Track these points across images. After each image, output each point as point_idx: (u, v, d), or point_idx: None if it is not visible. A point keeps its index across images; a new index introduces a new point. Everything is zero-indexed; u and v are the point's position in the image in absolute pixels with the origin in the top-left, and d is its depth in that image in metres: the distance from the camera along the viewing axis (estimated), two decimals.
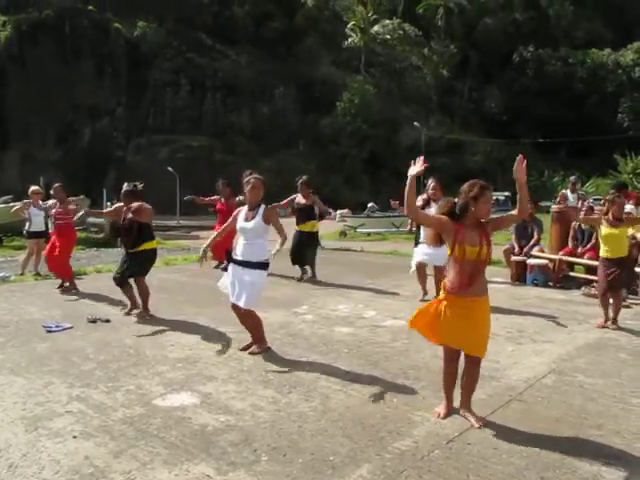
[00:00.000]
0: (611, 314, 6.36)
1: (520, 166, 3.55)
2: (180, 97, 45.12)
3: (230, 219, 5.34)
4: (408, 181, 3.58)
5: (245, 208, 5.22)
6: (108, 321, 6.44)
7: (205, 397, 4.16)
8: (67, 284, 8.49)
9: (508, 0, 59.43)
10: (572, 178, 12.31)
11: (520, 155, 3.61)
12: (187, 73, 44.96)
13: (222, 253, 7.24)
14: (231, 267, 5.12)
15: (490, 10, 58.85)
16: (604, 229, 6.37)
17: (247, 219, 5.14)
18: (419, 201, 7.37)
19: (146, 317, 6.57)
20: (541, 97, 53.54)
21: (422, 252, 7.45)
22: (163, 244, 15.39)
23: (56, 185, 8.85)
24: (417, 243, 7.76)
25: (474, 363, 3.71)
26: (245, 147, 42.92)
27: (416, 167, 3.63)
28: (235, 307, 5.18)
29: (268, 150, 42.91)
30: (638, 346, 5.64)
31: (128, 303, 6.85)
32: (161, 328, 6.14)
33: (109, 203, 19.57)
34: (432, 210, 7.43)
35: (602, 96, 53.68)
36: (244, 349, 5.24)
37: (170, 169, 34.83)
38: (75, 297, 7.99)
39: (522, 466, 3.17)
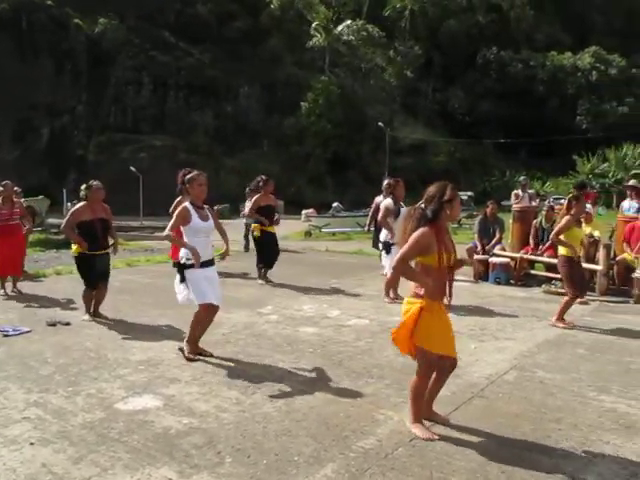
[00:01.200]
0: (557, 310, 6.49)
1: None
2: (142, 95, 44.41)
3: (176, 219, 4.95)
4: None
5: (190, 207, 4.95)
6: (68, 324, 6.29)
7: (168, 399, 4.10)
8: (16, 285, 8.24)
9: (470, 3, 60.36)
10: (522, 179, 12.73)
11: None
12: (150, 71, 44.27)
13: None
14: (203, 270, 4.92)
15: (453, 12, 59.65)
16: (575, 229, 6.49)
17: (204, 218, 5.01)
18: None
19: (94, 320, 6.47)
20: (503, 98, 54.56)
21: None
22: (125, 245, 15.13)
23: (5, 182, 8.36)
24: (377, 244, 7.82)
25: (454, 367, 3.69)
26: (209, 147, 42.52)
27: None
28: (216, 310, 5.11)
29: (232, 150, 42.64)
30: (595, 341, 5.80)
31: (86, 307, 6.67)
32: (123, 330, 6.03)
33: (69, 204, 19.12)
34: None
35: (562, 98, 55.01)
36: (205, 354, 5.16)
37: (133, 169, 34.28)
38: (23, 302, 7.64)
39: (484, 461, 3.22)
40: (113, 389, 4.31)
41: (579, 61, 57.44)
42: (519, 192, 11.55)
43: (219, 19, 48.31)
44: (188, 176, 5.10)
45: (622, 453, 3.34)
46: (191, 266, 4.84)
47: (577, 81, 56.08)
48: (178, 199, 7.38)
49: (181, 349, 5.09)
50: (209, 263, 5.01)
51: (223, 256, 5.43)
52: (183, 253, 4.92)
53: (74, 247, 6.46)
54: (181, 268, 4.93)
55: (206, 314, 5.03)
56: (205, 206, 5.12)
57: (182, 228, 4.99)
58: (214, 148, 42.71)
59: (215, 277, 5.09)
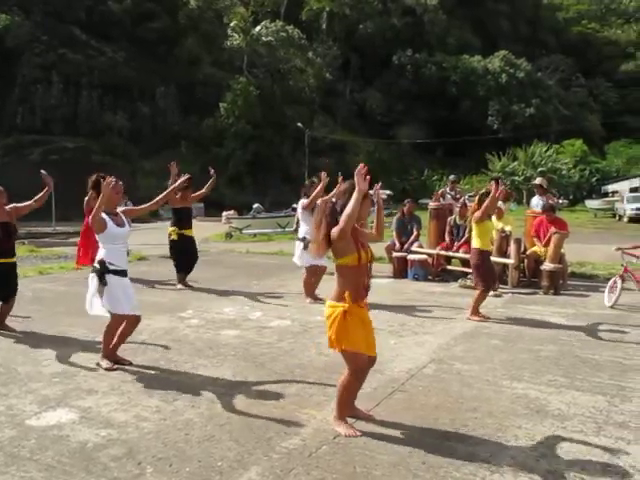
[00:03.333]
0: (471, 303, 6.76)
1: (360, 177, 3.33)
2: (52, 95, 42.28)
3: (92, 223, 4.77)
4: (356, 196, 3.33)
5: (104, 214, 4.74)
6: None
7: (84, 412, 3.93)
8: None
9: (386, 6, 61.76)
10: (451, 177, 12.99)
11: (360, 164, 3.41)
12: (60, 69, 42.22)
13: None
14: (120, 279, 4.76)
15: (369, 15, 60.81)
16: (487, 222, 6.76)
17: (119, 224, 4.84)
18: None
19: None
20: (419, 99, 56.27)
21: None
22: (37, 252, 14.41)
23: None
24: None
25: (373, 364, 3.71)
26: (124, 149, 41.17)
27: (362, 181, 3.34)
28: (138, 321, 4.95)
29: (149, 152, 41.46)
30: (508, 332, 6.09)
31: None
32: (35, 342, 5.72)
33: None
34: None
35: (474, 100, 57.36)
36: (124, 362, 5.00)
37: (43, 172, 32.65)
38: None
39: (406, 453, 3.30)
40: (24, 405, 4.08)
41: (489, 64, 60.13)
42: (446, 190, 11.63)
43: (133, 17, 46.83)
44: (107, 180, 4.88)
45: (533, 436, 3.52)
46: (113, 272, 4.67)
47: (487, 83, 58.68)
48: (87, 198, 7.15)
49: (98, 363, 4.91)
50: (125, 273, 4.86)
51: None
52: (105, 257, 4.74)
53: None
54: (103, 272, 4.73)
55: (118, 324, 4.86)
56: (118, 211, 4.95)
57: (97, 236, 4.82)
58: (130, 150, 41.39)
59: (131, 288, 4.93)
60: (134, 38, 46.02)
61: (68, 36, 43.34)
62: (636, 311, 7.16)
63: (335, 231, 3.38)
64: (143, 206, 5.47)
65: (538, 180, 10.86)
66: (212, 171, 8.91)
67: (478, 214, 6.58)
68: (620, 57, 73.08)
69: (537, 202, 10.04)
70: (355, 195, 3.31)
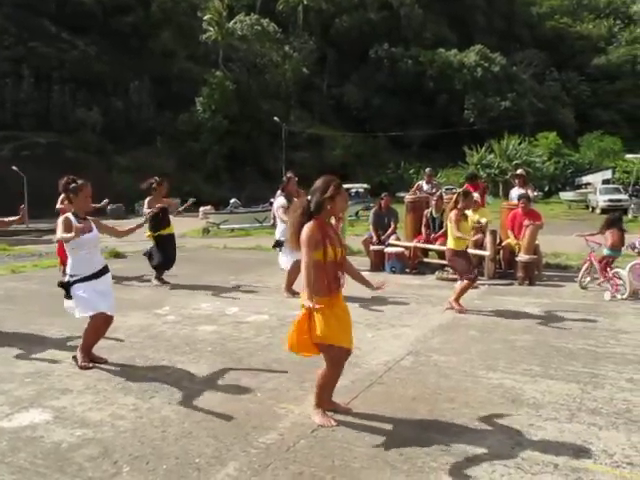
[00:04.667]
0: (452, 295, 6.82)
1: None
2: (23, 89, 41.51)
3: (61, 228, 4.65)
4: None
5: (73, 219, 4.63)
6: None
7: (59, 412, 3.88)
8: None
9: (362, 0, 61.78)
10: (427, 170, 12.97)
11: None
12: (30, 63, 41.44)
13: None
14: (89, 283, 4.67)
15: (345, 9, 60.78)
16: (463, 222, 6.79)
17: (88, 230, 4.67)
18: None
19: None
20: (396, 93, 56.51)
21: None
22: (10, 250, 14.16)
23: None
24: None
25: (349, 355, 3.71)
26: (98, 144, 40.61)
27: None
28: (110, 320, 4.88)
29: (123, 147, 41.02)
30: (485, 323, 6.15)
31: None
32: (7, 342, 5.61)
33: None
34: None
35: (450, 93, 57.80)
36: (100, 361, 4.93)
37: (15, 168, 32.05)
38: None
39: (383, 445, 3.32)
40: None
41: (465, 59, 60.60)
42: (422, 183, 11.60)
43: (106, 10, 46.11)
44: (73, 185, 4.78)
45: (508, 425, 3.57)
46: (77, 281, 4.61)
47: (464, 77, 59.16)
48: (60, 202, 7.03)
49: (74, 357, 4.84)
50: (99, 274, 4.78)
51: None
52: (69, 269, 4.69)
53: None
54: (66, 287, 4.67)
55: (98, 325, 4.80)
56: (89, 217, 4.87)
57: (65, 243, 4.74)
58: (104, 145, 40.88)
59: (108, 288, 4.86)
60: (107, 31, 45.36)
61: (39, 29, 42.57)
62: (609, 300, 7.28)
63: (301, 243, 3.42)
64: (114, 228, 5.31)
65: (520, 170, 10.95)
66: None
67: (452, 217, 6.63)
68: (592, 51, 74.30)
69: (516, 194, 10.09)
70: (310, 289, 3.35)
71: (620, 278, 7.46)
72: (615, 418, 3.65)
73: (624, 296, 7.32)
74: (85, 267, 4.69)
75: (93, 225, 4.84)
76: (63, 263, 8.17)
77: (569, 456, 3.15)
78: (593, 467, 3.04)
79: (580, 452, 3.20)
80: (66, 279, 4.70)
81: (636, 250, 7.90)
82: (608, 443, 3.31)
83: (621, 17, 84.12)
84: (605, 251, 7.83)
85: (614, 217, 8.17)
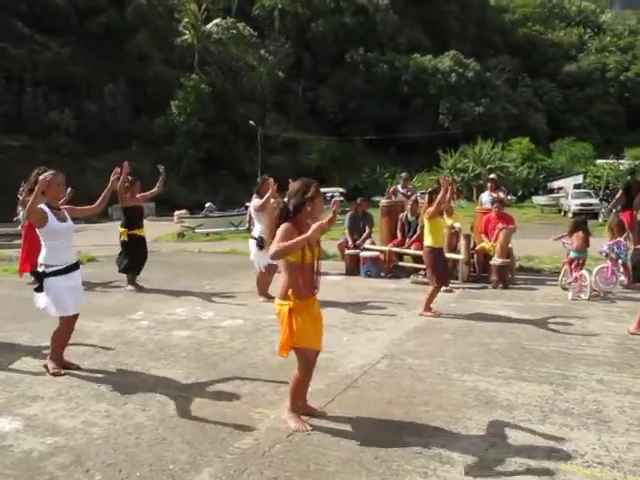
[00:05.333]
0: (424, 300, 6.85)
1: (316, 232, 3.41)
2: None
3: (29, 215, 4.68)
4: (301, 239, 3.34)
5: (46, 208, 4.58)
6: None
7: (29, 420, 3.81)
8: None
9: (338, 4, 62.04)
10: (403, 174, 13.09)
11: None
12: (1, 64, 40.59)
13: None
14: (62, 278, 4.59)
15: (321, 13, 60.95)
16: (439, 219, 6.84)
17: (62, 219, 4.68)
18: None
19: None
20: (371, 98, 56.80)
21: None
22: None
23: None
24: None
25: (317, 355, 3.73)
26: (72, 147, 40.00)
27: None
28: (76, 318, 4.81)
29: (98, 151, 40.41)
30: (459, 326, 6.20)
31: None
32: None
33: None
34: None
35: (425, 98, 58.28)
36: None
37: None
38: None
39: (359, 449, 3.32)
40: None
41: (439, 64, 61.21)
42: (398, 187, 11.63)
43: (79, 11, 45.45)
44: (43, 175, 4.71)
45: (482, 427, 3.60)
46: (51, 274, 4.52)
47: (438, 82, 59.72)
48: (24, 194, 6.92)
49: (45, 366, 4.75)
50: (72, 268, 4.71)
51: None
52: (42, 260, 4.59)
53: None
54: (40, 277, 4.58)
55: (68, 327, 4.73)
56: (62, 207, 4.81)
57: (38, 231, 4.65)
58: (78, 148, 40.24)
59: (78, 284, 4.80)
60: (80, 33, 44.70)
61: (9, 29, 41.71)
62: (580, 303, 7.41)
63: (275, 242, 3.39)
64: (88, 207, 5.32)
65: (492, 175, 11.11)
66: (162, 168, 8.78)
67: (431, 210, 6.67)
68: (563, 59, 75.75)
69: (487, 198, 10.25)
70: (300, 238, 3.33)
71: (585, 279, 7.69)
72: (586, 418, 3.71)
73: (586, 297, 7.58)
74: (60, 257, 4.61)
75: (68, 216, 4.78)
76: (25, 269, 8.00)
77: (542, 457, 3.20)
78: (565, 467, 3.09)
79: (552, 453, 3.25)
80: (40, 269, 4.60)
81: (604, 254, 8.14)
82: (579, 443, 3.36)
83: (591, 26, 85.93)
84: (572, 253, 8.11)
85: (579, 221, 8.70)
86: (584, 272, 7.76)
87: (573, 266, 7.99)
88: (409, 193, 11.26)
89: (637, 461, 3.16)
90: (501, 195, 10.20)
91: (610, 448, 3.31)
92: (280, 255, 3.39)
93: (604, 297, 7.72)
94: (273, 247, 3.39)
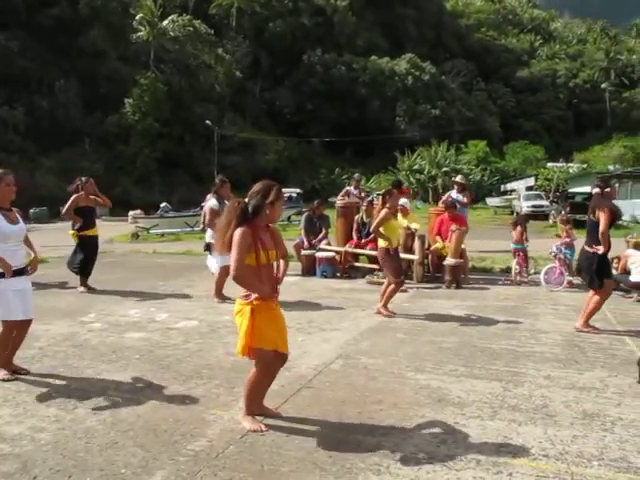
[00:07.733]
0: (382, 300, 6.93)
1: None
2: None
3: None
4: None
5: None
6: None
7: None
8: None
9: (296, 5, 62.09)
10: (355, 175, 13.22)
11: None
12: None
13: None
14: (11, 282, 4.42)
15: (279, 13, 60.88)
16: (392, 221, 6.91)
17: (12, 221, 4.53)
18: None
19: None
20: (329, 99, 57.08)
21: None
22: None
23: None
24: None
25: (285, 362, 3.72)
26: (20, 145, 38.79)
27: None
28: (28, 324, 4.65)
29: (48, 148, 39.37)
30: (413, 325, 6.30)
31: None
32: None
33: None
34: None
35: (382, 100, 58.92)
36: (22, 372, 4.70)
37: None
38: None
39: (312, 448, 3.34)
40: None
41: (396, 66, 62.01)
42: (351, 188, 11.73)
43: (28, 3, 44.02)
44: None
45: (434, 424, 3.67)
46: (2, 275, 4.38)
47: (395, 85, 60.49)
48: None
49: None
50: (20, 272, 4.56)
51: (32, 268, 4.80)
52: None
53: None
54: None
55: (11, 332, 4.57)
56: (13, 209, 4.66)
57: None
58: (28, 146, 39.09)
59: (27, 288, 4.64)
60: (30, 26, 43.36)
61: None
62: (530, 302, 7.63)
63: (233, 251, 3.38)
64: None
65: (458, 178, 11.35)
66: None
67: (382, 215, 6.74)
68: (516, 64, 77.91)
69: (456, 197, 10.41)
70: (256, 286, 3.40)
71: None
72: (533, 414, 3.83)
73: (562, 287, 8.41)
74: (9, 261, 4.44)
75: (19, 218, 4.64)
76: None
77: (491, 452, 3.28)
78: (512, 461, 3.18)
79: (501, 447, 3.34)
80: None
81: (552, 254, 8.46)
82: (527, 437, 3.47)
83: (542, 33, 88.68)
84: (511, 245, 9.37)
85: (519, 217, 10.92)
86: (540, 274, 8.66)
87: (518, 259, 9.08)
88: (363, 194, 11.46)
89: (580, 452, 3.28)
90: (465, 199, 10.45)
91: (555, 441, 3.42)
92: (237, 280, 3.39)
93: (553, 296, 7.96)
94: (232, 257, 3.37)
